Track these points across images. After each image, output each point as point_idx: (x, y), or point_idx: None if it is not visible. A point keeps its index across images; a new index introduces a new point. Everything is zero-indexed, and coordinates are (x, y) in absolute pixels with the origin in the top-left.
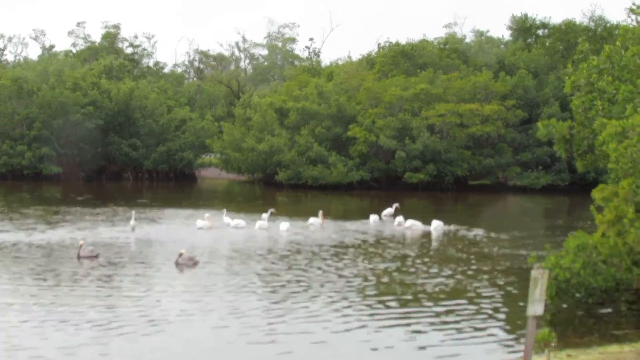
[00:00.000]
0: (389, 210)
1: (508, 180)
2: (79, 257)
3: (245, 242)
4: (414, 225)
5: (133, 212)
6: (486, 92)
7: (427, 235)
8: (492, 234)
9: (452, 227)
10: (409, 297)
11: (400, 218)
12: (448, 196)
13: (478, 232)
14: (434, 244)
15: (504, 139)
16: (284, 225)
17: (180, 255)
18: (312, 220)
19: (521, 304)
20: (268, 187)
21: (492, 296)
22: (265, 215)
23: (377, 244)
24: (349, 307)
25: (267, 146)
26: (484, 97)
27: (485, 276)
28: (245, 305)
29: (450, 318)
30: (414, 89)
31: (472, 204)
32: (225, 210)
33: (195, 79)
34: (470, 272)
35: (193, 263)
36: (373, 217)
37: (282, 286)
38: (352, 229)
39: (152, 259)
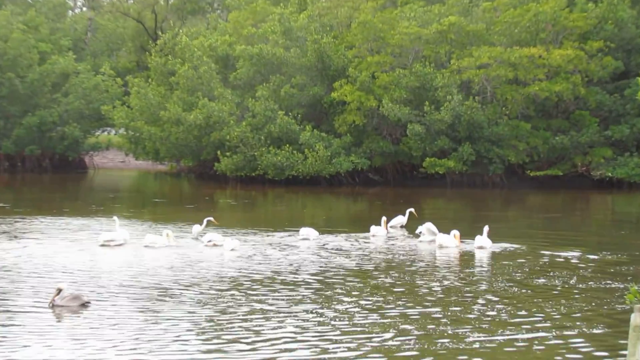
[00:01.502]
0: (400, 219)
1: (592, 169)
2: None
3: (169, 269)
4: (446, 242)
5: None
6: (555, 30)
7: (467, 258)
8: (567, 256)
9: (505, 246)
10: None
11: (429, 226)
12: (495, 195)
13: (544, 253)
14: (479, 271)
15: (585, 104)
16: (230, 243)
17: (59, 292)
18: (305, 231)
19: None
20: (203, 181)
21: (569, 355)
22: (198, 227)
23: (384, 271)
24: None
25: (203, 116)
26: (553, 38)
27: (558, 323)
28: None
29: None
30: (439, 24)
31: (533, 208)
32: (116, 217)
33: (85, 9)
34: (534, 318)
35: (79, 304)
36: (375, 230)
37: (228, 345)
38: (342, 248)
39: (14, 298)
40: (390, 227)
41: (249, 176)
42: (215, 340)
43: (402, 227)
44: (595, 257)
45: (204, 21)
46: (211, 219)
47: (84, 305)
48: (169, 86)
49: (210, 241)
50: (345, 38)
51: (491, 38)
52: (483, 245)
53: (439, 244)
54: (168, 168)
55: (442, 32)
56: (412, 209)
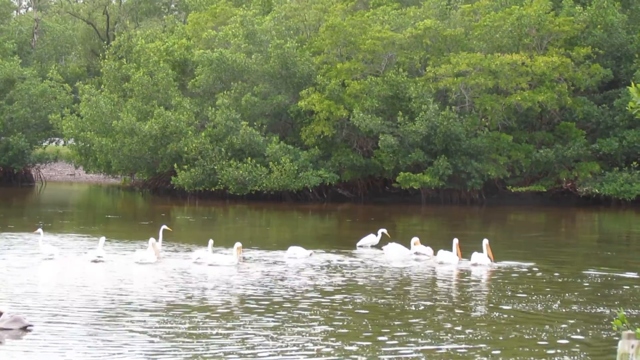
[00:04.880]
0: (371, 238)
1: (577, 185)
2: None
3: (127, 290)
4: (446, 259)
5: None
6: (540, 35)
7: (449, 277)
8: (551, 279)
9: (485, 268)
10: None
11: (428, 249)
12: (473, 213)
13: (527, 276)
14: (454, 294)
15: (571, 115)
16: (219, 258)
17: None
18: (293, 250)
19: None
20: (159, 196)
21: None
22: (154, 242)
23: (365, 292)
24: None
25: (159, 126)
26: (537, 44)
27: (539, 352)
28: None
29: None
30: (414, 28)
31: (514, 227)
32: (40, 230)
33: (31, 9)
34: (514, 345)
35: (20, 327)
36: (368, 240)
37: None
38: (314, 267)
39: None
40: (359, 246)
41: (208, 191)
42: None
43: (374, 247)
44: (581, 279)
45: (160, 23)
46: (165, 226)
47: (25, 328)
48: (122, 93)
49: (199, 258)
50: (313, 43)
51: (470, 44)
52: (480, 262)
53: (439, 261)
54: (121, 182)
55: (417, 37)
56: (384, 230)
